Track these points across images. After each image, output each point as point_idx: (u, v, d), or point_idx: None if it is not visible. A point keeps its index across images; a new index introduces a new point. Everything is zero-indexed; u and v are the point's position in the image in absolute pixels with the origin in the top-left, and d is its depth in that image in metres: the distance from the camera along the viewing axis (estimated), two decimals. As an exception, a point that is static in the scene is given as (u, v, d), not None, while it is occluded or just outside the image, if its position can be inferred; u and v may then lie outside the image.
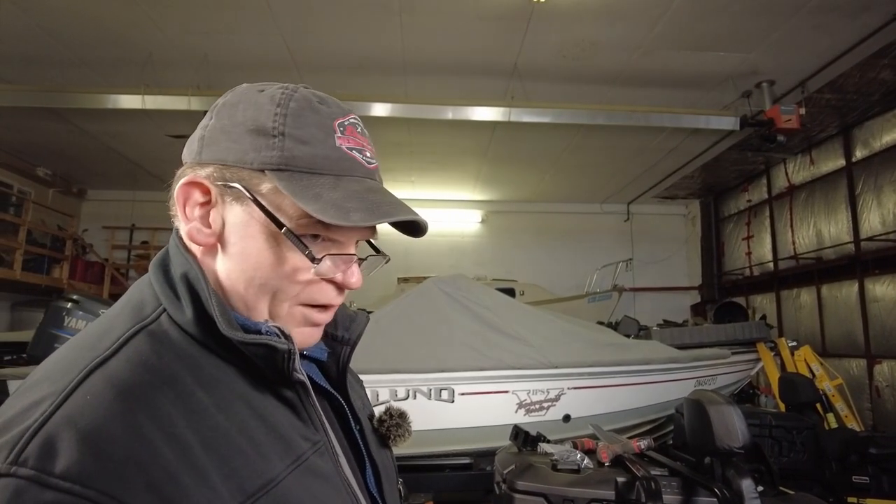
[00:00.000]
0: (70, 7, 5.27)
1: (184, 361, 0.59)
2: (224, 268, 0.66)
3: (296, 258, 0.64)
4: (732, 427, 2.19)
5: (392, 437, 0.85)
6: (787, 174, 9.36)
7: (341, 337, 0.81)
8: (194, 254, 0.66)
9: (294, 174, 0.62)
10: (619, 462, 2.41)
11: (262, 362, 0.62)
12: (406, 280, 10.24)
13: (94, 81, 6.55)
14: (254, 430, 0.59)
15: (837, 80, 6.51)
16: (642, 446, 2.61)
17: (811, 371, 6.20)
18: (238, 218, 0.64)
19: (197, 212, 0.65)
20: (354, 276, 0.69)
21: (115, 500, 0.46)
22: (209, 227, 0.65)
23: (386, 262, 0.77)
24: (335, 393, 0.77)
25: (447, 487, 3.79)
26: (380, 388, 3.81)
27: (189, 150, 0.67)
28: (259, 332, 0.62)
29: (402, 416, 0.88)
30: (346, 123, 0.67)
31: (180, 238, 0.67)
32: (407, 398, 3.89)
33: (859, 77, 6.44)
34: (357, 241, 0.71)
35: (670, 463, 2.43)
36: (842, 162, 8.17)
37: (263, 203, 0.63)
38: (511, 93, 6.62)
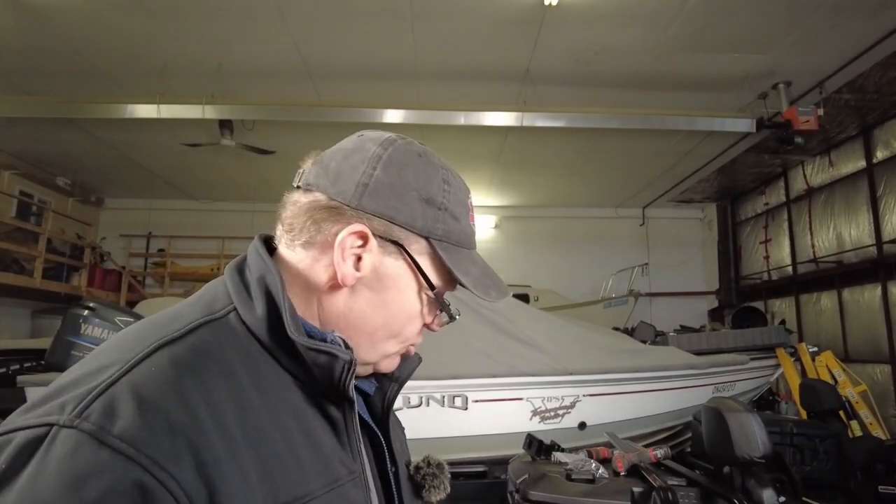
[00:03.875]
0: (88, 20, 5.37)
1: (243, 359, 0.61)
2: (356, 307, 0.71)
3: (427, 312, 0.74)
4: (752, 435, 2.14)
5: (427, 486, 0.81)
6: (805, 176, 9.20)
7: (391, 374, 0.82)
8: (300, 274, 0.71)
9: (449, 247, 0.73)
10: (635, 471, 2.37)
11: (320, 372, 0.64)
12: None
13: (111, 92, 6.66)
14: (297, 442, 0.60)
15: (857, 80, 6.39)
16: (659, 455, 2.56)
17: (833, 377, 6.09)
18: (390, 270, 0.70)
19: (351, 255, 0.69)
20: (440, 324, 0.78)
21: (162, 470, 0.49)
22: (359, 270, 0.69)
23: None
24: (376, 429, 0.77)
25: (462, 496, 3.75)
26: (392, 395, 3.79)
27: (336, 187, 0.70)
28: (324, 341, 0.65)
29: (440, 466, 0.84)
30: (471, 203, 0.79)
31: (264, 244, 0.72)
32: (420, 405, 3.87)
33: (879, 76, 6.32)
34: None
35: (688, 472, 2.39)
36: (862, 163, 8.01)
37: (420, 263, 0.71)
38: (524, 97, 6.59)
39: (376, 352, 0.73)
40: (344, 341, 0.66)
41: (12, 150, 8.74)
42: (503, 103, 6.72)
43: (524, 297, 8.98)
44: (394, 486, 0.76)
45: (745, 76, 6.38)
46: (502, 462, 3.53)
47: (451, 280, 0.73)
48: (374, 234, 0.69)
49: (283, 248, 0.72)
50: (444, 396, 3.91)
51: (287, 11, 5.26)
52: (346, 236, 0.68)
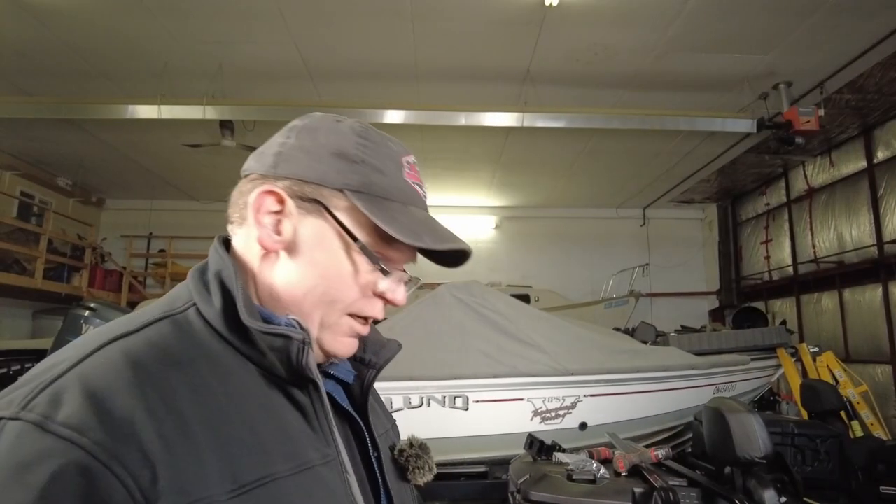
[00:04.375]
0: (89, 20, 5.37)
1: (202, 350, 0.62)
2: (284, 273, 0.70)
3: (364, 271, 0.70)
4: (753, 435, 2.14)
5: (411, 468, 0.81)
6: (806, 177, 9.20)
7: (368, 360, 0.83)
8: (242, 257, 0.71)
9: (371, 197, 0.69)
10: (636, 472, 2.37)
11: (277, 356, 0.64)
12: (420, 286, 10.24)
13: (112, 92, 6.66)
14: (260, 426, 0.60)
15: (857, 81, 6.39)
16: (660, 455, 2.56)
17: (834, 377, 6.09)
18: (312, 230, 0.70)
19: (269, 219, 0.70)
20: (401, 294, 0.76)
21: (106, 453, 0.49)
22: (279, 234, 0.70)
23: (418, 287, 0.84)
24: (356, 416, 0.77)
25: (462, 496, 3.75)
26: (393, 396, 3.79)
27: (260, 163, 0.72)
28: (279, 325, 0.65)
29: (423, 447, 0.85)
30: (410, 161, 0.76)
31: (221, 242, 0.72)
32: (421, 406, 3.86)
33: (880, 77, 6.32)
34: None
35: (689, 473, 2.38)
36: (863, 164, 8.00)
37: (341, 219, 0.69)
38: (524, 98, 6.59)
39: (312, 321, 0.70)
40: (299, 323, 0.66)
41: (13, 151, 8.74)
42: (503, 103, 6.71)
43: (524, 298, 8.96)
44: (377, 470, 0.76)
45: (746, 76, 6.37)
46: (503, 462, 3.53)
47: (379, 233, 0.69)
48: (291, 196, 0.69)
49: (233, 239, 0.74)
50: (444, 397, 3.90)
51: (287, 11, 5.26)
52: (257, 197, 0.69)
